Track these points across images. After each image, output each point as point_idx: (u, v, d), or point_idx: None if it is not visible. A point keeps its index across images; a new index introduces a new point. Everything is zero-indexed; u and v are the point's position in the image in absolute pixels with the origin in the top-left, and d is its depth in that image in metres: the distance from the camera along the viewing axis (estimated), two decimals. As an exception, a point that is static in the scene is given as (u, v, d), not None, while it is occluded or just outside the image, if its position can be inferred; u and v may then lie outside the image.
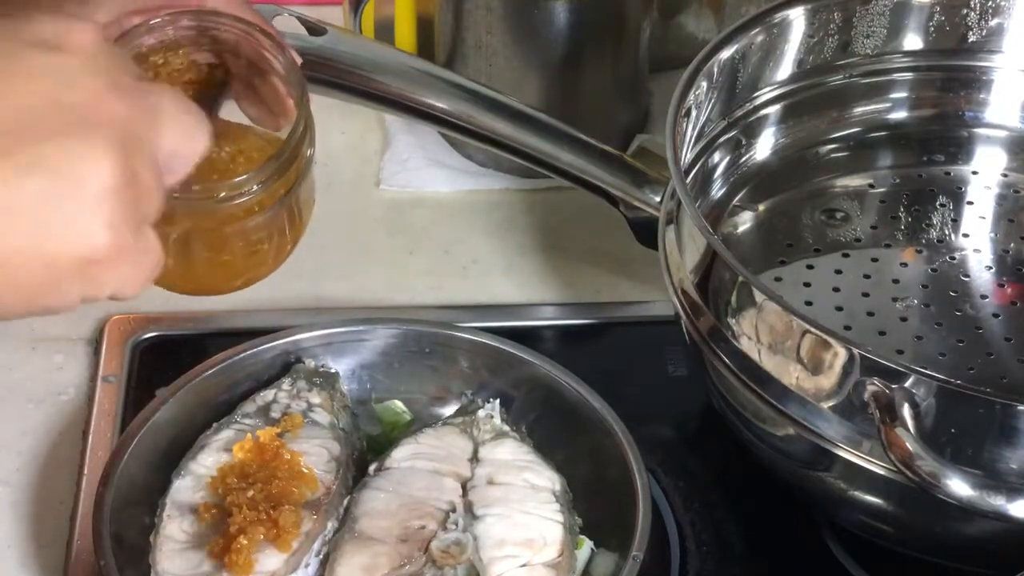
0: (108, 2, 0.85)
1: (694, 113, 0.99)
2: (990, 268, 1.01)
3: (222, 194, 0.81)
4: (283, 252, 0.87)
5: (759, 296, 0.86)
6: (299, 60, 0.86)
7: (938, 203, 1.06)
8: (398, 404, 0.98)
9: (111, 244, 0.66)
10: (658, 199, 1.01)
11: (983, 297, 0.99)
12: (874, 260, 1.02)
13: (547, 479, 0.91)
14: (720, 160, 1.05)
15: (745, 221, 1.04)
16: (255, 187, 0.81)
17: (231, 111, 0.90)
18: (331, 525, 0.88)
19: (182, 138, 0.71)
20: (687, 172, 0.98)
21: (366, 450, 0.94)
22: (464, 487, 0.90)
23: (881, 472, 0.83)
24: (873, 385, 0.81)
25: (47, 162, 0.64)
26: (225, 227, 0.82)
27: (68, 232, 0.65)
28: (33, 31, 0.67)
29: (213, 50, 0.87)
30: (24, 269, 0.65)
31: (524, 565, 0.86)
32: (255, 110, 0.89)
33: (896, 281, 1.00)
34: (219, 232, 0.83)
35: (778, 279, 1.00)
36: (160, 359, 1.04)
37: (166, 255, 0.78)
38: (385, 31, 1.25)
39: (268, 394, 0.94)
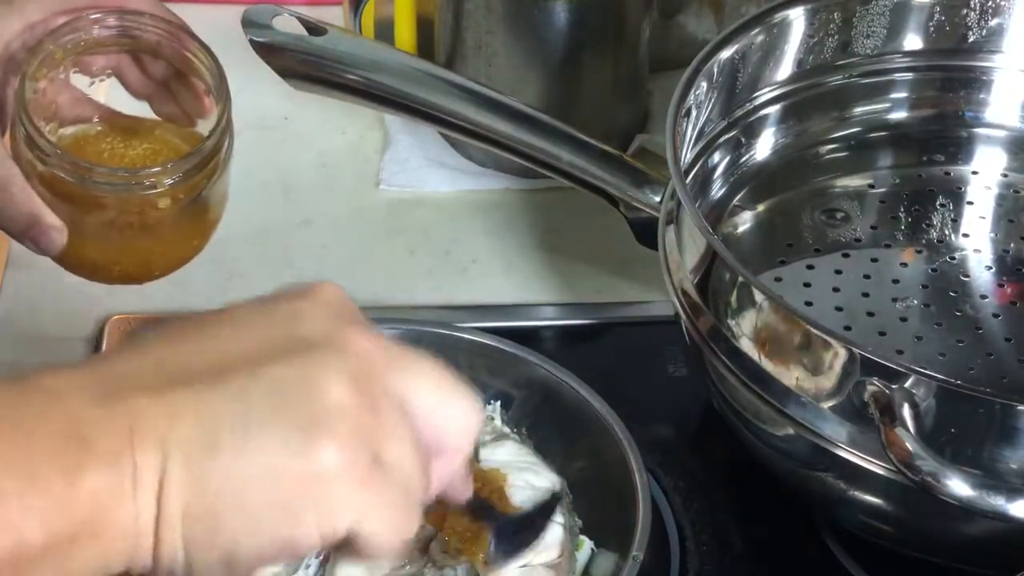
0: (36, 1, 0.87)
1: (694, 113, 0.99)
2: (990, 268, 1.01)
3: (146, 181, 0.85)
4: (199, 244, 0.91)
5: (759, 296, 0.86)
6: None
7: (938, 203, 1.06)
8: (398, 404, 0.98)
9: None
10: (658, 199, 1.01)
11: (983, 297, 0.99)
12: (874, 260, 1.02)
13: (547, 480, 0.90)
14: (720, 160, 1.05)
15: (745, 221, 1.04)
16: (178, 176, 0.85)
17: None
18: (331, 525, 0.87)
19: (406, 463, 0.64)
20: (687, 172, 0.98)
21: (366, 450, 0.94)
22: (464, 487, 0.90)
23: (881, 472, 0.83)
24: (873, 385, 0.81)
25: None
26: (145, 214, 0.86)
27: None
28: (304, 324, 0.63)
29: (133, 50, 0.90)
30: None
31: (524, 566, 0.85)
32: (170, 110, 0.92)
33: (896, 281, 1.00)
34: (139, 219, 0.86)
35: (778, 279, 1.00)
36: (160, 359, 1.04)
37: (87, 241, 0.83)
38: (385, 31, 1.24)
39: (268, 394, 0.94)
